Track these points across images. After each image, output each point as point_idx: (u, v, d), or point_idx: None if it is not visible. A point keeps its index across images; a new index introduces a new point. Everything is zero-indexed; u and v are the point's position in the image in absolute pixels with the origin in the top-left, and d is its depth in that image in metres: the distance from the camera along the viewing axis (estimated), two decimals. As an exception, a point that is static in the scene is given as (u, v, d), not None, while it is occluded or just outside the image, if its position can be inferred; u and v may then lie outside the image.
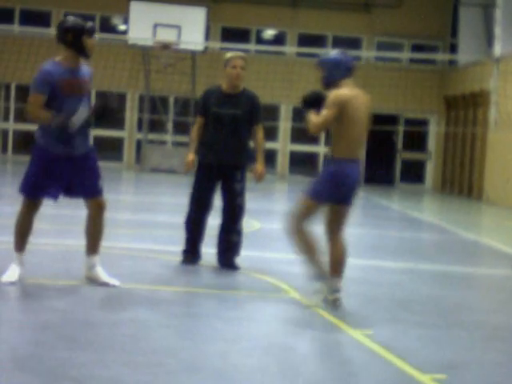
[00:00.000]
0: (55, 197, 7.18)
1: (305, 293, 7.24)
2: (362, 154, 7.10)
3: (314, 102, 7.00)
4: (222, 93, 8.49)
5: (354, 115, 6.91)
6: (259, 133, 8.53)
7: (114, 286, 7.17)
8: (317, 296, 7.03)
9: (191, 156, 8.49)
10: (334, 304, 6.94)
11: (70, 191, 7.20)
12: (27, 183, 7.11)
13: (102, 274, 7.24)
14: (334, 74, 6.96)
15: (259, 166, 8.51)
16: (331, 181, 6.92)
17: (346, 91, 6.90)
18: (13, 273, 7.10)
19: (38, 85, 6.95)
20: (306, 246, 7.00)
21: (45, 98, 6.93)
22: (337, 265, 7.03)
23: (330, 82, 6.99)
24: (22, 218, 7.16)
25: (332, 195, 6.96)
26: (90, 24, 7.08)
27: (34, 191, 7.09)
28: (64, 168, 7.06)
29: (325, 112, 6.86)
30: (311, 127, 6.95)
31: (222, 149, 8.42)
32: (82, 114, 6.96)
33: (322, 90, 7.06)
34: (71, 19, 7.11)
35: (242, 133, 8.49)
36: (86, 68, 7.16)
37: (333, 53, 7.13)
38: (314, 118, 6.93)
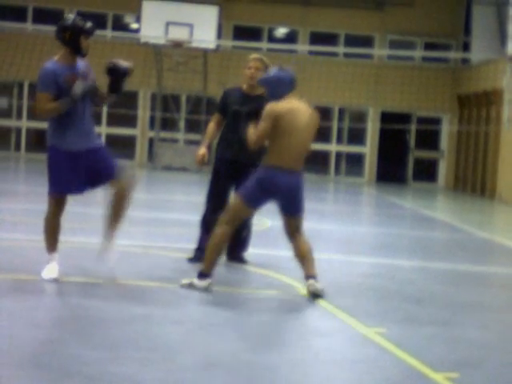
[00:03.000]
0: (80, 191, 7.23)
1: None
2: (300, 166, 7.22)
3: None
4: (242, 93, 8.69)
5: (289, 127, 7.11)
6: None
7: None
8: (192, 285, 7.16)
9: (202, 150, 8.55)
10: (314, 292, 7.07)
11: (95, 181, 7.22)
12: (51, 184, 7.15)
13: (112, 258, 7.27)
14: (280, 89, 7.23)
15: None
16: (257, 186, 7.14)
17: (282, 104, 7.14)
18: (53, 269, 7.13)
19: (43, 84, 7.05)
20: (217, 244, 7.15)
21: (51, 96, 7.00)
22: (305, 260, 7.22)
23: (276, 97, 7.21)
24: (52, 218, 7.18)
25: (259, 200, 7.18)
26: (89, 24, 7.14)
27: (59, 188, 7.12)
28: (81, 163, 7.10)
29: (261, 125, 7.13)
30: (251, 142, 7.23)
31: (240, 145, 8.48)
32: (80, 83, 7.01)
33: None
34: (71, 18, 7.18)
35: None
36: (82, 63, 7.23)
37: (273, 70, 7.36)
38: (252, 133, 7.19)
